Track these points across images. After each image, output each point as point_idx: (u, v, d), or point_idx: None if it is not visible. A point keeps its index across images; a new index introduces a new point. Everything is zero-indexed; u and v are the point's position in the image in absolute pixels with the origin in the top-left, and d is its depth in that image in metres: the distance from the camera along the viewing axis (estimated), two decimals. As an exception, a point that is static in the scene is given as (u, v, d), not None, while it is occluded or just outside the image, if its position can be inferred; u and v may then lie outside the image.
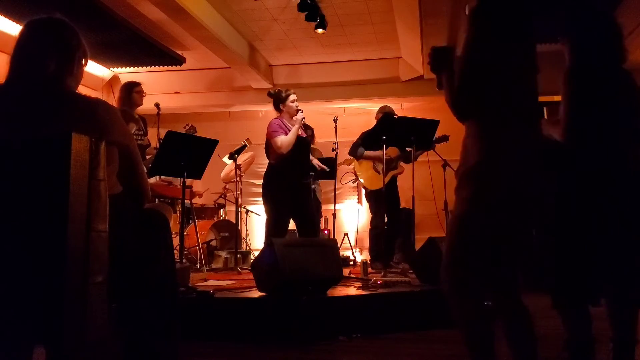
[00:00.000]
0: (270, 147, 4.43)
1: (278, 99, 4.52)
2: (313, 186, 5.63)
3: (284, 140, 4.25)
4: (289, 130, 4.33)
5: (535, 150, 1.73)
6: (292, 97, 4.49)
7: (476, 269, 1.75)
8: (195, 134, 4.96)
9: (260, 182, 4.52)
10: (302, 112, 4.44)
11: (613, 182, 2.02)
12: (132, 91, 4.61)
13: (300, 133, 4.45)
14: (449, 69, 1.78)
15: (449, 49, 1.85)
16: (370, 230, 5.14)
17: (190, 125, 5.10)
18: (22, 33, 1.80)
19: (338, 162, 5.52)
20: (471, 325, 1.75)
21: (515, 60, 1.76)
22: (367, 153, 5.08)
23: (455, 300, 1.76)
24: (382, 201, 4.88)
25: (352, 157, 5.33)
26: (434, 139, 4.82)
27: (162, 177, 4.93)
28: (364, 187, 5.27)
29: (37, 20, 1.81)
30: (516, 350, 1.72)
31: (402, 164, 5.22)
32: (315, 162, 4.96)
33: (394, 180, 5.14)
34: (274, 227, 4.34)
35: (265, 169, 4.49)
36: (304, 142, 4.49)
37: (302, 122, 4.43)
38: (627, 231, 2.03)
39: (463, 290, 1.75)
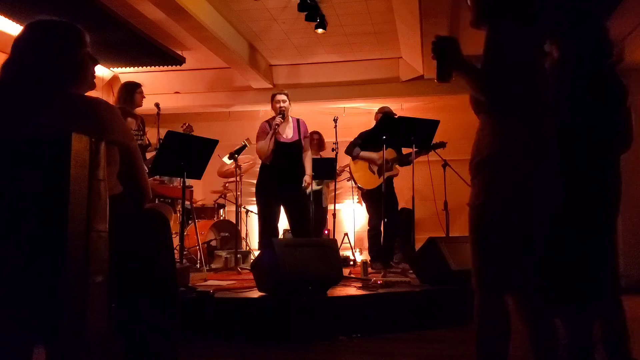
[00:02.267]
0: None
1: (271, 100, 4.63)
2: (319, 187, 5.64)
3: (259, 148, 4.50)
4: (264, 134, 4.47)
5: (548, 147, 1.73)
6: (278, 96, 4.57)
7: (501, 263, 1.74)
8: (192, 133, 4.98)
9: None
10: (280, 116, 4.44)
11: (594, 182, 2.03)
12: (134, 91, 4.62)
13: (287, 138, 4.51)
14: (459, 59, 1.75)
15: (454, 39, 1.82)
16: (369, 231, 5.15)
17: (187, 124, 5.11)
18: (24, 33, 1.80)
19: (338, 167, 5.54)
20: (493, 324, 1.74)
21: (533, 50, 1.75)
22: (363, 154, 5.10)
23: (482, 296, 1.75)
24: (379, 201, 4.92)
25: (347, 154, 5.33)
26: (431, 144, 4.87)
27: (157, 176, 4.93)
28: (360, 188, 5.27)
29: (40, 22, 1.81)
30: (537, 349, 1.72)
31: (397, 166, 5.22)
32: (306, 178, 4.69)
33: (390, 181, 5.14)
34: (262, 226, 4.55)
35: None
36: (288, 150, 4.53)
37: (277, 127, 4.43)
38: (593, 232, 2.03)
39: (490, 286, 1.74)
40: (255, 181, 4.69)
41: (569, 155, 2.00)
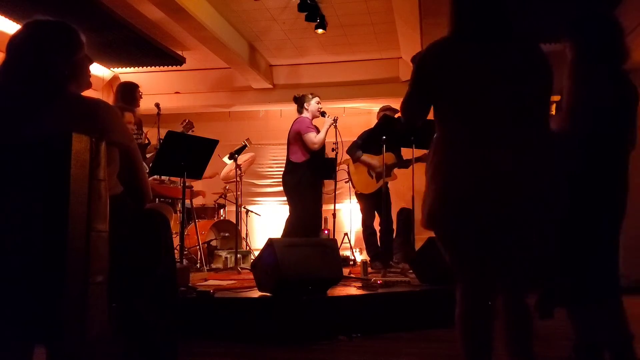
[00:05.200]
0: (297, 145, 4.74)
1: (301, 100, 4.90)
2: None
3: (319, 137, 4.70)
4: (316, 129, 4.75)
5: (502, 150, 1.68)
6: (317, 98, 4.93)
7: (466, 262, 1.75)
8: (193, 129, 4.99)
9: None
10: (330, 117, 4.82)
11: (601, 183, 2.03)
12: (135, 91, 4.61)
13: None
14: None
15: None
16: (364, 231, 5.16)
17: (187, 120, 5.09)
18: (22, 33, 1.79)
19: (338, 162, 5.53)
20: (475, 325, 1.74)
21: (489, 61, 1.72)
22: (364, 158, 5.10)
23: (461, 299, 1.75)
24: (372, 202, 5.04)
25: (349, 157, 5.33)
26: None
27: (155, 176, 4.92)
28: (355, 189, 5.28)
29: (37, 22, 1.81)
30: (514, 349, 1.72)
31: (395, 170, 5.21)
32: None
33: (385, 184, 5.14)
34: (302, 218, 4.70)
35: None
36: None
37: (334, 122, 4.78)
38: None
39: (471, 289, 1.75)
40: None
41: (580, 156, 2.01)
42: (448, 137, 1.78)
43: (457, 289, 1.77)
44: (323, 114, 4.82)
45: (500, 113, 1.71)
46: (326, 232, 6.56)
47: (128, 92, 4.61)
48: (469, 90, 1.72)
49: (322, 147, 4.87)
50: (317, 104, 4.87)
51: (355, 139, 5.26)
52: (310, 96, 4.91)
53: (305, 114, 4.86)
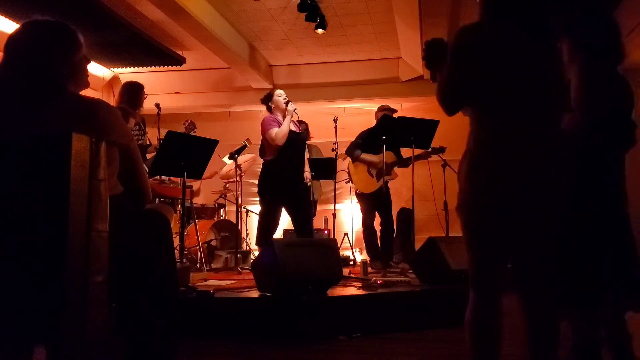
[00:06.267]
0: (264, 144, 4.52)
1: (266, 99, 4.64)
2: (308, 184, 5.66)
3: (278, 132, 4.37)
4: (279, 123, 4.45)
5: (536, 145, 1.67)
6: (278, 91, 4.63)
7: (488, 263, 1.73)
8: (195, 130, 4.98)
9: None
10: (293, 104, 4.50)
11: (607, 185, 2.04)
12: (140, 91, 4.59)
13: (294, 129, 4.55)
14: (440, 62, 1.75)
15: (443, 42, 1.81)
16: (364, 231, 5.16)
17: (189, 121, 5.10)
18: (20, 33, 1.79)
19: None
20: (485, 323, 1.73)
21: (523, 52, 1.69)
22: (363, 157, 5.08)
23: (475, 296, 1.74)
24: (373, 202, 5.00)
25: (347, 155, 5.32)
26: (430, 149, 4.90)
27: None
28: (356, 189, 5.28)
29: (36, 22, 1.81)
30: (536, 349, 1.72)
31: (396, 170, 5.21)
32: (306, 174, 4.82)
33: (386, 183, 5.15)
34: (265, 221, 4.48)
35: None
36: (298, 138, 4.58)
37: (294, 114, 4.50)
38: (616, 235, 2.03)
39: (483, 285, 1.74)
40: (256, 181, 4.67)
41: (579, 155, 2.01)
42: (479, 128, 1.71)
43: (469, 289, 1.75)
44: (287, 103, 4.49)
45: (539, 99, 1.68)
46: (326, 232, 6.57)
47: (133, 93, 4.57)
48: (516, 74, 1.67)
49: (299, 143, 4.57)
50: (280, 97, 4.54)
51: (354, 139, 5.26)
52: (271, 93, 4.64)
53: (275, 112, 4.56)
